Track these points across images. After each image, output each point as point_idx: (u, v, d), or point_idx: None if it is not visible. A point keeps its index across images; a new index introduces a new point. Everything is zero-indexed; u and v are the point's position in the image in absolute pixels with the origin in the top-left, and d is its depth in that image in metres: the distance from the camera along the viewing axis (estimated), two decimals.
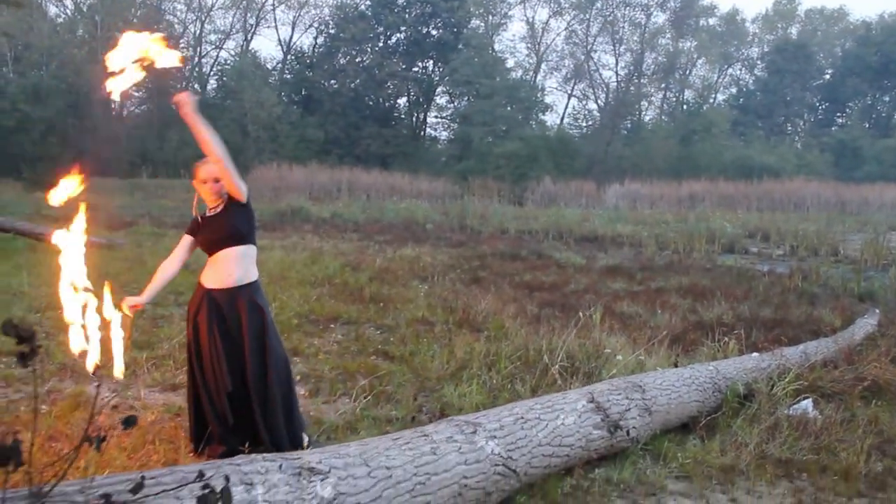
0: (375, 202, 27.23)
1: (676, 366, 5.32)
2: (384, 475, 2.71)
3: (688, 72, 53.96)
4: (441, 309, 8.19)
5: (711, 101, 53.04)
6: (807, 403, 5.13)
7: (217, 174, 3.67)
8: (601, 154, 37.40)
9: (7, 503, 1.70)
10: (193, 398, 3.76)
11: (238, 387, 3.64)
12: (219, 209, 3.76)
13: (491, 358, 5.84)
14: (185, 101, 3.34)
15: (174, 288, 8.91)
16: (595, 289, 10.47)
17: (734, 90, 53.85)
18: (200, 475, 1.83)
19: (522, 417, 3.45)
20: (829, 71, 53.50)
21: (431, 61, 44.95)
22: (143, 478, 1.88)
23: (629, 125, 49.81)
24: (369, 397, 4.91)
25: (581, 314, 7.08)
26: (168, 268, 3.80)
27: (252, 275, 3.76)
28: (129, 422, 1.93)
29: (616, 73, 51.66)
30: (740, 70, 55.71)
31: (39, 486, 1.80)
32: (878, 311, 8.46)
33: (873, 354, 6.16)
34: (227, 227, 3.67)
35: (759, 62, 52.75)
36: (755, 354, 5.90)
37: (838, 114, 51.93)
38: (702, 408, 4.69)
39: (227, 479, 1.92)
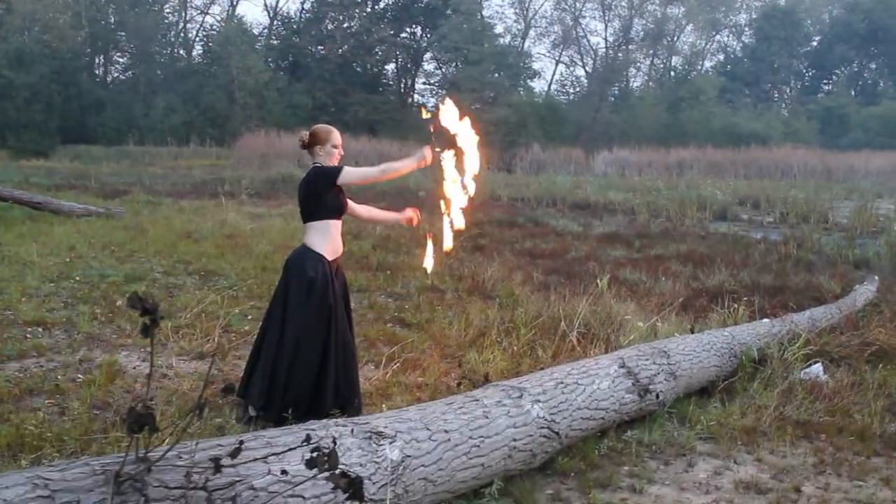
0: None
1: (692, 332, 5.46)
2: (443, 438, 2.83)
3: (676, 38, 53.81)
4: (449, 277, 8.30)
5: (699, 68, 52.93)
6: (817, 368, 5.30)
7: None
8: (589, 121, 37.43)
9: (122, 466, 1.79)
10: (261, 367, 3.83)
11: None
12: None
13: (507, 325, 5.96)
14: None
15: (181, 257, 8.97)
16: (595, 256, 10.61)
17: (721, 57, 53.84)
18: (307, 439, 1.92)
19: (562, 382, 3.57)
20: (817, 38, 53.51)
21: (419, 27, 44.55)
22: (241, 442, 1.97)
23: (617, 92, 49.74)
24: (397, 364, 5.03)
25: (588, 282, 7.23)
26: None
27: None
28: (229, 390, 2.02)
29: (605, 39, 51.50)
30: (728, 37, 55.66)
31: (145, 452, 1.89)
32: (876, 277, 8.65)
33: (877, 320, 6.35)
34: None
35: (746, 29, 52.71)
36: (766, 321, 6.06)
37: (825, 81, 52.04)
38: (720, 372, 4.85)
39: (334, 441, 2.02)
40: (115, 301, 6.49)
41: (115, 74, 42.73)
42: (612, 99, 45.31)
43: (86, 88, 35.99)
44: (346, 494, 1.75)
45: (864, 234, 14.11)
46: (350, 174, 3.79)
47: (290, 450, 1.98)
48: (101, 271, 7.67)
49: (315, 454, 1.74)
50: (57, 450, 3.33)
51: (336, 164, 3.93)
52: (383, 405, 4.17)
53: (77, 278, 7.36)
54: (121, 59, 41.43)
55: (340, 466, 1.71)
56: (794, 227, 15.32)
